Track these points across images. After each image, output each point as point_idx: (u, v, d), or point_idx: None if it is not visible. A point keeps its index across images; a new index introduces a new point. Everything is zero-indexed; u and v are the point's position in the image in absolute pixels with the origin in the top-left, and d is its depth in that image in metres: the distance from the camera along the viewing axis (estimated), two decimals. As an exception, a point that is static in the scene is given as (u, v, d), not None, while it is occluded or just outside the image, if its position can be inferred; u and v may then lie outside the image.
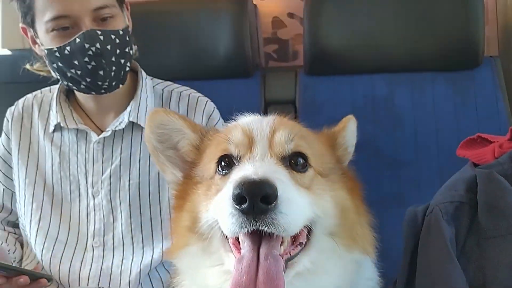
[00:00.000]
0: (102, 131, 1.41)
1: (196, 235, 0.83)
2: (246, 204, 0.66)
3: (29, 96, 1.53)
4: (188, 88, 1.54)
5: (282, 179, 0.73)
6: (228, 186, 0.73)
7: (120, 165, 1.39)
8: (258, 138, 0.83)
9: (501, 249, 0.80)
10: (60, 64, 1.28)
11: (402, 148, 1.78)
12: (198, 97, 1.49)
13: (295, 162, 0.81)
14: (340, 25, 1.86)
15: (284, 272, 0.72)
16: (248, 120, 0.89)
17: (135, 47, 1.42)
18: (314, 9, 1.88)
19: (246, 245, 0.74)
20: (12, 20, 3.10)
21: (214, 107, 1.50)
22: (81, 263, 1.36)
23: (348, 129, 0.97)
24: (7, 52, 2.74)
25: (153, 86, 1.50)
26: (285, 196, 0.69)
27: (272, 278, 0.69)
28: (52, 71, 1.35)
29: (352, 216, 0.85)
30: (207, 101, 1.49)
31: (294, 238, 0.78)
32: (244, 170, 0.74)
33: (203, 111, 1.45)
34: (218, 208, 0.76)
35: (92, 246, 1.37)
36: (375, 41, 1.84)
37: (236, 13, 1.91)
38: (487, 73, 1.83)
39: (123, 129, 1.40)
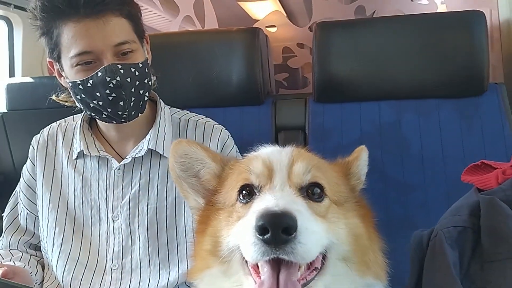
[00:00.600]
0: (123, 158, 1.46)
1: (217, 258, 0.87)
2: (269, 235, 0.70)
3: (54, 124, 1.60)
4: (204, 116, 1.58)
5: (300, 209, 0.77)
6: (251, 216, 0.76)
7: (139, 191, 1.43)
8: (278, 169, 0.87)
9: (502, 272, 0.82)
10: (83, 95, 1.34)
11: (409, 172, 1.81)
12: (214, 125, 1.53)
13: (312, 192, 0.86)
14: (348, 55, 1.92)
15: None
16: (267, 151, 0.94)
17: (154, 78, 1.49)
18: (323, 39, 1.95)
19: (266, 270, 0.77)
20: (32, 49, 3.23)
21: (228, 135, 1.54)
22: (100, 285, 1.40)
23: (361, 159, 1.00)
24: (28, 79, 2.81)
25: (171, 115, 1.54)
26: (304, 226, 0.73)
27: None
28: (76, 102, 1.41)
29: (364, 242, 0.88)
30: (222, 129, 1.53)
31: (310, 263, 0.81)
32: (266, 201, 0.78)
33: (218, 139, 1.49)
34: (240, 234, 0.80)
35: (111, 269, 1.40)
36: (382, 69, 1.89)
37: (248, 44, 1.99)
38: (493, 99, 1.86)
39: (142, 156, 1.44)
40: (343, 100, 1.94)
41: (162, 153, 1.44)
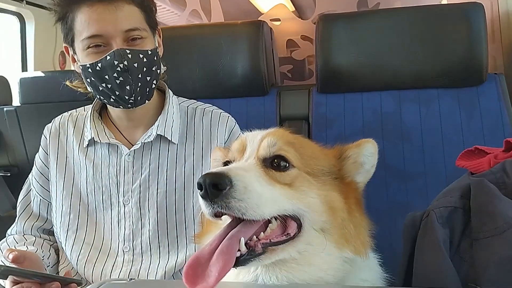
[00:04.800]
0: (133, 145, 1.49)
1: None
2: (203, 190, 0.77)
3: (65, 114, 1.64)
4: (211, 105, 1.61)
5: (249, 173, 0.83)
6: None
7: (149, 176, 1.46)
8: (250, 144, 0.94)
9: (489, 249, 0.85)
10: (93, 78, 1.37)
11: (410, 160, 1.83)
12: (220, 113, 1.56)
13: (277, 163, 0.90)
14: (350, 47, 1.94)
15: (262, 255, 0.81)
16: (251, 133, 0.99)
17: (163, 68, 1.52)
18: (325, 32, 1.97)
19: (226, 222, 0.85)
20: (43, 44, 3.29)
21: (235, 123, 1.57)
22: (112, 267, 1.44)
23: (365, 150, 1.00)
24: (40, 74, 2.87)
25: (179, 104, 1.57)
26: (242, 185, 0.78)
27: (223, 253, 0.78)
28: (87, 86, 1.45)
29: (343, 215, 0.90)
30: (228, 116, 1.56)
31: (284, 229, 0.86)
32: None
33: (226, 126, 1.52)
34: None
35: (123, 251, 1.44)
36: (383, 60, 1.91)
37: (253, 36, 2.03)
38: (492, 89, 1.88)
39: (151, 142, 1.47)
40: (345, 91, 1.95)
41: (170, 139, 1.47)
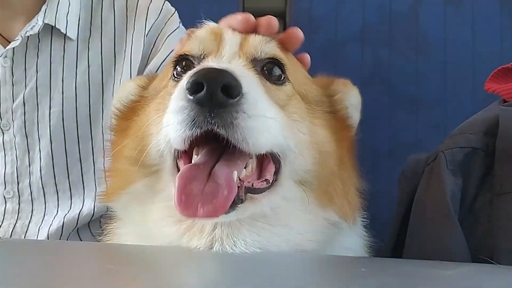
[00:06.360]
0: (10, 43, 1.42)
1: (143, 168, 0.89)
2: (204, 91, 0.71)
3: None
4: None
5: (251, 80, 0.81)
6: (182, 83, 0.78)
7: (37, 88, 1.41)
8: (228, 36, 0.90)
9: None
10: None
11: (424, 82, 1.84)
12: None
13: (269, 71, 0.89)
14: None
15: (242, 202, 0.79)
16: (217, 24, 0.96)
17: None
18: None
19: (201, 155, 0.80)
20: None
21: (173, 10, 1.54)
22: None
23: (348, 97, 1.02)
24: None
25: None
26: (253, 96, 0.75)
27: (227, 175, 0.76)
28: None
29: (331, 165, 0.91)
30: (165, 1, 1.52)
31: (260, 172, 0.85)
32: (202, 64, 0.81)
33: (153, 10, 1.49)
34: (167, 117, 0.80)
35: (4, 198, 1.42)
36: None
37: None
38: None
39: (38, 37, 1.41)
40: (339, -24, 1.90)
41: (66, 33, 1.43)
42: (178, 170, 0.83)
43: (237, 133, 0.74)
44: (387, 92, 1.81)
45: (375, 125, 1.79)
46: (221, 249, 0.82)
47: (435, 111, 1.83)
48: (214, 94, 0.71)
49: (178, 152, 0.82)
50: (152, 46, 1.47)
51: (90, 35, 1.47)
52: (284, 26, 1.88)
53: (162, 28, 1.50)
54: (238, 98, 0.73)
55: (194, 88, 0.72)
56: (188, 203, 0.73)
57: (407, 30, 1.86)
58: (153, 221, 0.88)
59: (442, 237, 0.89)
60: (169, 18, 1.51)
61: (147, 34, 1.48)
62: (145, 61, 1.46)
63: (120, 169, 0.95)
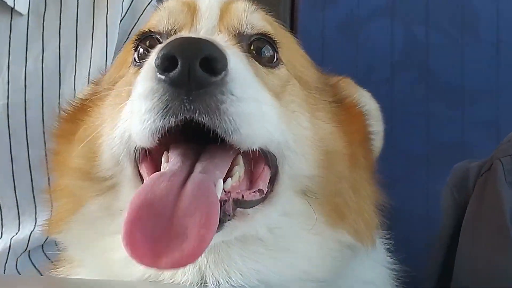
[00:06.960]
0: None
1: (94, 182, 0.84)
2: (178, 68, 0.63)
3: None
4: None
5: (237, 54, 0.76)
6: (149, 60, 0.74)
7: None
8: (205, 4, 0.88)
9: None
10: None
11: (472, 69, 1.70)
12: None
13: (258, 50, 0.85)
14: None
15: (230, 220, 0.71)
16: None
17: None
18: None
19: (173, 160, 0.74)
20: None
21: None
22: None
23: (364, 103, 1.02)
24: None
25: None
26: (242, 74, 0.70)
27: (205, 191, 0.67)
28: None
29: (340, 168, 0.87)
30: None
31: (251, 181, 0.79)
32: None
33: None
34: (129, 106, 0.76)
35: None
36: None
37: None
38: None
39: None
40: None
41: (13, 6, 1.36)
42: (143, 181, 0.78)
43: (226, 122, 0.67)
44: (424, 80, 1.67)
45: (408, 121, 1.67)
46: (216, 283, 0.76)
47: (485, 105, 1.69)
48: (192, 70, 0.64)
49: (139, 155, 0.76)
50: (127, 35, 1.44)
51: (45, 9, 1.43)
52: (292, 2, 1.88)
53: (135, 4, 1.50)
54: (223, 75, 0.66)
55: (166, 64, 0.65)
56: (144, 247, 0.61)
57: (449, 3, 1.72)
58: (115, 261, 0.80)
59: (500, 264, 0.86)
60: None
61: (122, 19, 1.46)
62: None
63: (67, 186, 0.90)
